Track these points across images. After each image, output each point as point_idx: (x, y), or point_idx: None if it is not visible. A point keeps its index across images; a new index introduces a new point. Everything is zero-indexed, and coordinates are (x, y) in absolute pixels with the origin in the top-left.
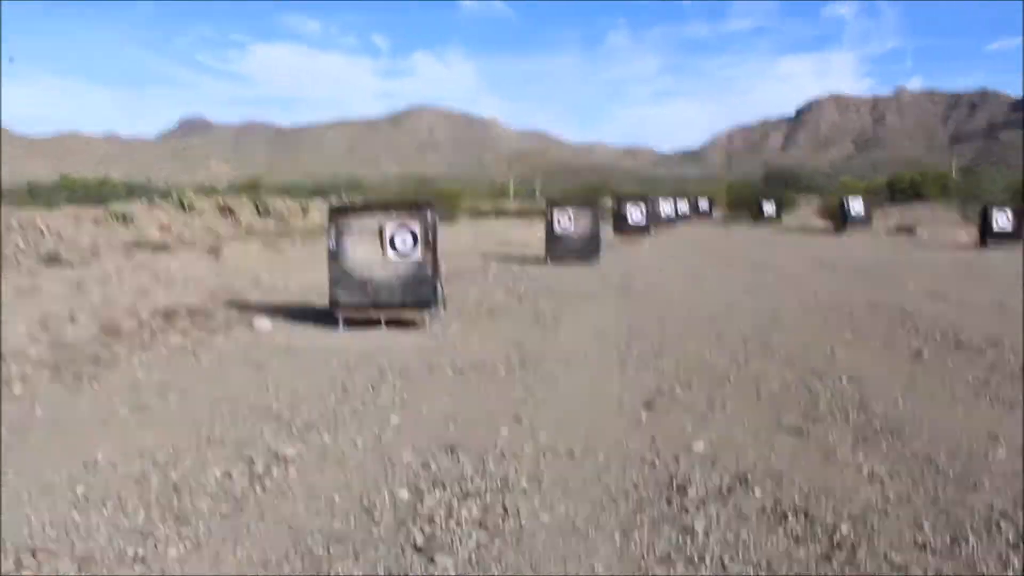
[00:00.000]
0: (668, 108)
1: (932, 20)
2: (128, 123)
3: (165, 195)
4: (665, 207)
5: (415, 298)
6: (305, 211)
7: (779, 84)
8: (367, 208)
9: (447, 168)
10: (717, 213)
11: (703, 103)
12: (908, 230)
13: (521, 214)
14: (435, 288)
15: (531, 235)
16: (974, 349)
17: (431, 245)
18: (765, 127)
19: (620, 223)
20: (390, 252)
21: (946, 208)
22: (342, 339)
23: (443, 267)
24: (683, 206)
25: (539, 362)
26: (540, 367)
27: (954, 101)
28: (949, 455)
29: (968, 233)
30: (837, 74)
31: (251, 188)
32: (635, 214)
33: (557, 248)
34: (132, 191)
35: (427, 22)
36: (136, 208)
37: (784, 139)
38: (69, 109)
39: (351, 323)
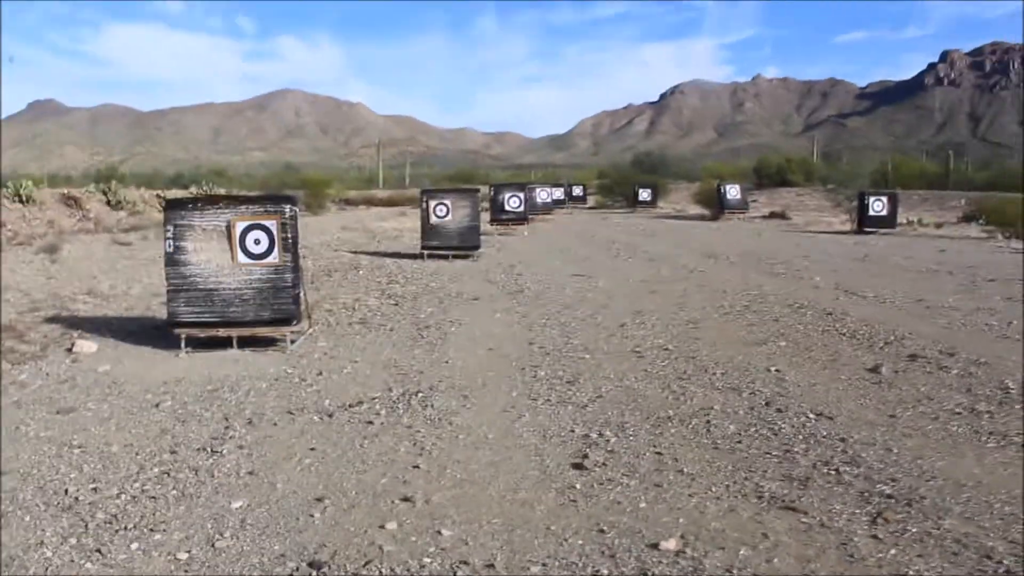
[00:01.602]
0: (536, 93)
1: (787, 11)
2: None
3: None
4: (541, 194)
5: (272, 312)
6: (162, 201)
7: (643, 70)
8: (212, 201)
9: (314, 154)
10: (591, 199)
11: (570, 89)
12: (781, 216)
13: (392, 202)
14: (296, 298)
15: (403, 224)
16: (933, 362)
17: (291, 246)
18: (630, 112)
19: (498, 212)
20: (241, 255)
21: (811, 193)
22: (181, 366)
23: (308, 267)
24: (558, 193)
25: (428, 396)
26: (429, 404)
27: (807, 89)
28: (1001, 538)
29: (839, 219)
30: (698, 61)
31: (107, 177)
32: (513, 202)
33: (434, 240)
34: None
35: (293, 4)
36: None
37: (649, 124)
38: None
39: (195, 344)
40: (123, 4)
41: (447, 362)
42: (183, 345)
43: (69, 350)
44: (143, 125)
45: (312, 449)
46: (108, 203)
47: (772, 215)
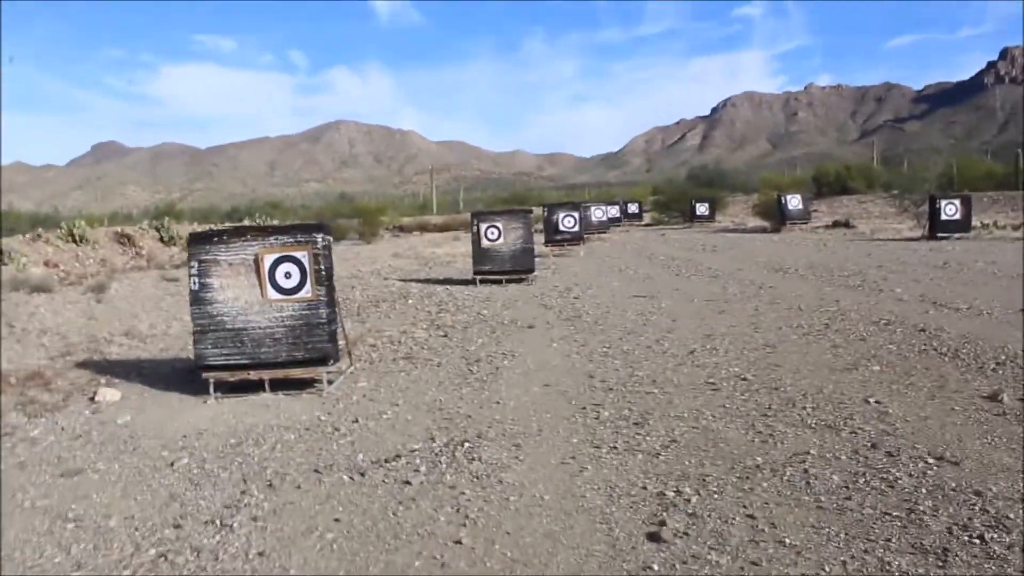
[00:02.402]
0: (585, 112)
1: (837, 18)
2: (36, 151)
3: (55, 225)
4: (596, 213)
5: (306, 351)
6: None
7: (693, 85)
8: (238, 234)
9: (368, 183)
10: (646, 216)
11: (620, 106)
12: (845, 224)
13: (445, 228)
14: (333, 335)
15: (456, 249)
16: None
17: (325, 278)
18: (682, 127)
19: (552, 232)
20: (271, 291)
21: (874, 200)
22: (207, 414)
23: (355, 298)
24: (613, 211)
25: (475, 447)
26: (477, 457)
27: (861, 95)
28: None
29: (907, 225)
30: (749, 73)
31: (164, 213)
32: (568, 222)
33: (487, 264)
34: (38, 222)
35: (343, 36)
36: (17, 242)
37: (701, 138)
38: None
39: (225, 388)
40: (177, 44)
41: (498, 403)
42: (212, 390)
43: (91, 399)
44: (201, 162)
45: (337, 520)
46: (161, 239)
47: (835, 224)
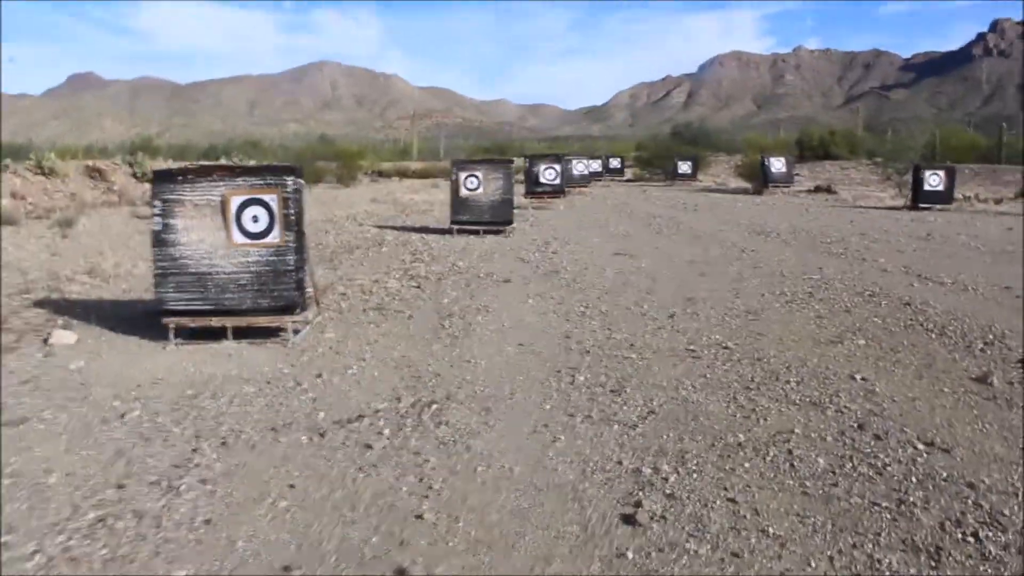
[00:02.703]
0: (573, 65)
1: None
2: (11, 80)
3: (24, 156)
4: (578, 166)
5: (272, 299)
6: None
7: (683, 41)
8: (205, 173)
9: (350, 126)
10: (628, 172)
11: (608, 60)
12: (827, 190)
13: (425, 174)
14: (300, 283)
15: (435, 197)
16: None
17: (294, 223)
18: (668, 84)
19: (533, 184)
20: (237, 234)
21: (857, 167)
22: (165, 362)
23: (329, 243)
24: (595, 165)
25: (444, 408)
26: (444, 421)
27: (849, 60)
28: None
29: (889, 193)
30: (738, 32)
31: (140, 148)
32: (548, 174)
33: (465, 214)
34: (11, 152)
35: None
36: None
37: (687, 96)
38: None
39: (187, 334)
40: None
41: (469, 361)
42: (172, 336)
43: (45, 341)
44: (181, 97)
45: (291, 487)
46: (134, 175)
47: (817, 189)
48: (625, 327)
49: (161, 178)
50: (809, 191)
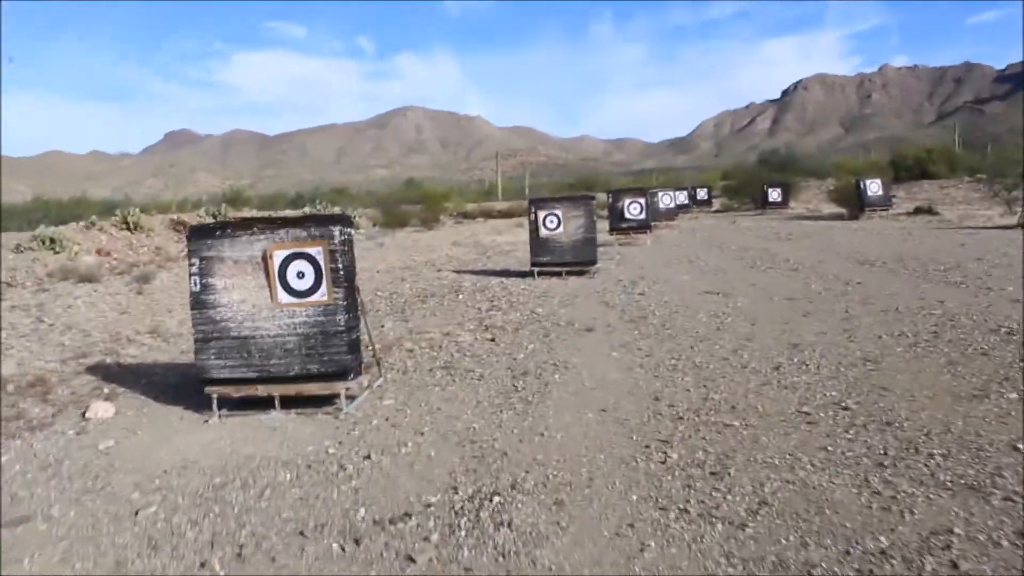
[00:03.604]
0: (654, 97)
1: None
2: (112, 140)
3: (110, 213)
4: (664, 199)
5: (322, 364)
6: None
7: (764, 67)
8: (245, 226)
9: (435, 169)
10: (716, 202)
11: (688, 91)
12: (928, 211)
13: (509, 214)
14: (353, 345)
15: (518, 237)
16: None
17: (344, 279)
18: (751, 111)
19: (617, 220)
20: (282, 293)
21: (957, 185)
22: (203, 440)
23: (404, 292)
24: (681, 197)
25: (507, 503)
26: (506, 521)
27: (939, 75)
28: None
29: (996, 211)
30: (822, 54)
31: (231, 200)
32: (634, 209)
33: (545, 256)
34: (111, 209)
35: (411, 22)
36: (71, 230)
37: (771, 122)
38: (51, 128)
39: (231, 404)
40: (249, 32)
41: (543, 434)
42: (215, 407)
43: (83, 414)
44: (270, 148)
45: None
46: None
47: (917, 211)
48: (723, 384)
49: (198, 234)
50: (908, 214)
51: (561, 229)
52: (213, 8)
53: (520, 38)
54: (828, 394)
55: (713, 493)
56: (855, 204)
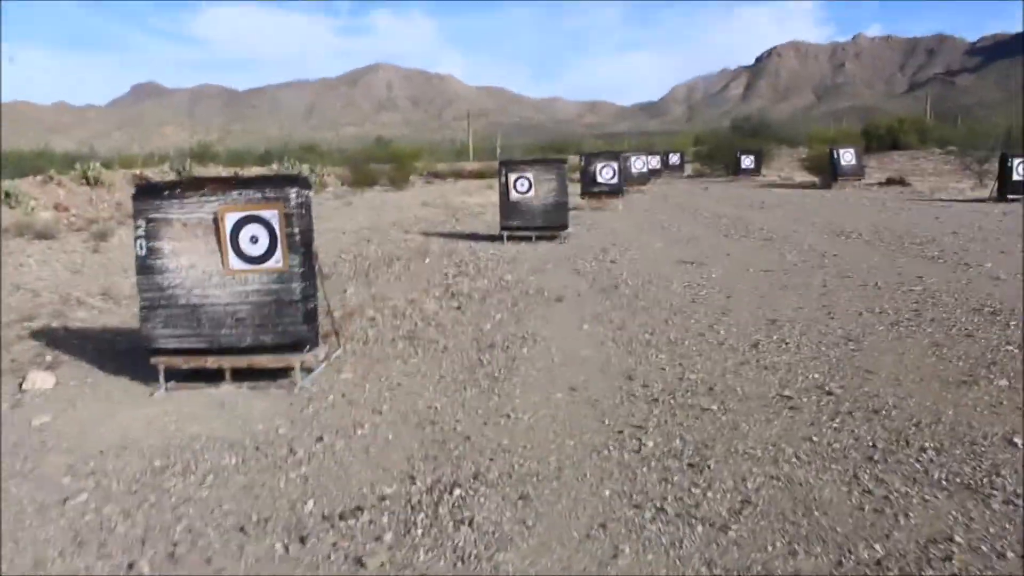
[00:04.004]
0: (628, 60)
1: None
2: (78, 91)
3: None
4: (636, 163)
5: (276, 335)
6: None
7: (738, 34)
8: (195, 187)
9: (406, 128)
10: (688, 167)
11: (662, 54)
12: (900, 182)
13: (480, 175)
14: (309, 315)
15: (489, 199)
16: None
17: (300, 244)
18: (725, 77)
19: (589, 184)
20: (234, 259)
21: (927, 157)
22: (146, 415)
23: (369, 254)
24: (654, 161)
25: (468, 497)
26: (466, 519)
27: (911, 46)
28: None
29: (967, 184)
30: (796, 22)
31: (199, 155)
32: (606, 173)
33: (515, 220)
34: (73, 162)
35: None
36: (28, 184)
37: (744, 89)
38: (15, 77)
39: (179, 375)
40: None
41: (508, 415)
42: (162, 379)
43: (21, 385)
44: (239, 103)
45: None
46: None
47: (889, 182)
48: (700, 361)
49: (144, 194)
50: (880, 184)
51: (532, 192)
52: None
53: None
54: (810, 376)
55: (692, 489)
56: (829, 173)
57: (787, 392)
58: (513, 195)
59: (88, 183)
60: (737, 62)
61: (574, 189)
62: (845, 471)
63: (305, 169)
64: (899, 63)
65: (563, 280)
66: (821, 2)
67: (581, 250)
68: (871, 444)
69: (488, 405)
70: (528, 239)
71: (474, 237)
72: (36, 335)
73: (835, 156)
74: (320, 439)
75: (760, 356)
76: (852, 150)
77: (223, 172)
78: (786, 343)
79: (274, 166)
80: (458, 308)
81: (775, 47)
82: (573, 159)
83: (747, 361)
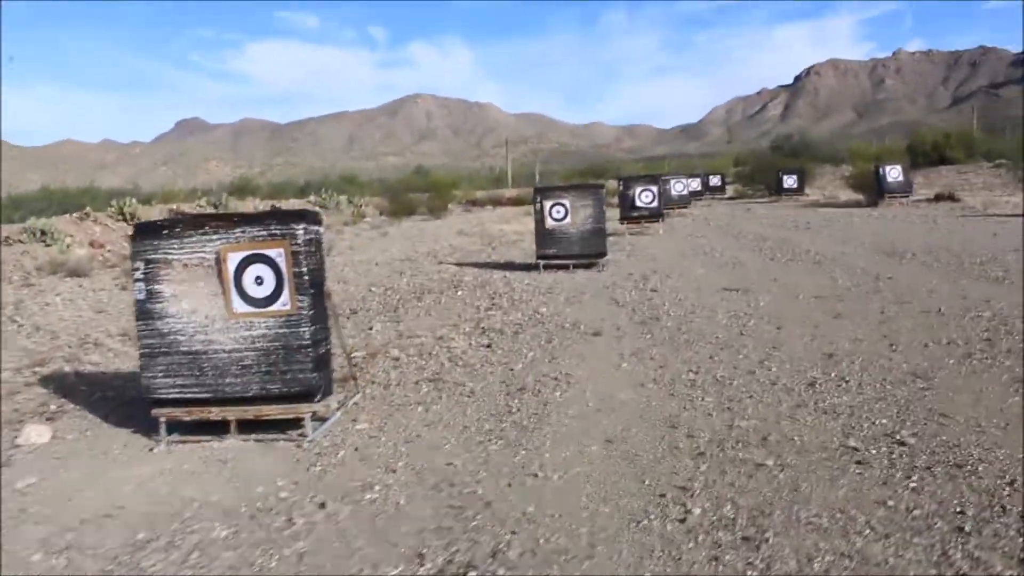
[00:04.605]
0: (666, 84)
1: None
2: (124, 129)
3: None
4: (676, 186)
5: (284, 383)
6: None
7: (776, 53)
8: (196, 225)
9: (446, 156)
10: (729, 189)
11: (700, 77)
12: (950, 198)
13: (519, 202)
14: (321, 361)
15: (526, 226)
16: None
17: (309, 284)
18: (763, 97)
19: (628, 209)
20: (238, 301)
21: (976, 171)
22: (140, 475)
23: (400, 287)
24: (694, 183)
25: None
26: None
27: (954, 60)
28: None
29: (1021, 197)
30: (834, 40)
31: (240, 189)
32: (645, 197)
33: (552, 248)
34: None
35: (423, 10)
36: (64, 222)
37: (783, 108)
38: (64, 117)
39: (182, 427)
40: (262, 21)
41: (536, 475)
42: (163, 432)
43: (16, 439)
44: (281, 137)
45: None
46: None
47: (938, 198)
48: (751, 405)
49: (142, 233)
50: (929, 200)
51: (568, 219)
52: None
53: (532, 25)
54: (877, 422)
55: (748, 572)
56: (874, 191)
57: (852, 442)
58: (549, 223)
59: (124, 219)
60: (775, 82)
61: (612, 214)
62: (931, 547)
63: (343, 200)
64: (941, 77)
65: (601, 311)
66: (860, 19)
67: (620, 278)
68: (959, 510)
69: (514, 461)
70: (565, 268)
71: (509, 266)
72: (45, 381)
73: (881, 173)
74: (323, 505)
75: (818, 397)
76: (898, 166)
77: (260, 205)
78: (846, 381)
79: (311, 198)
80: (488, 346)
81: (813, 65)
82: (612, 184)
83: (804, 404)
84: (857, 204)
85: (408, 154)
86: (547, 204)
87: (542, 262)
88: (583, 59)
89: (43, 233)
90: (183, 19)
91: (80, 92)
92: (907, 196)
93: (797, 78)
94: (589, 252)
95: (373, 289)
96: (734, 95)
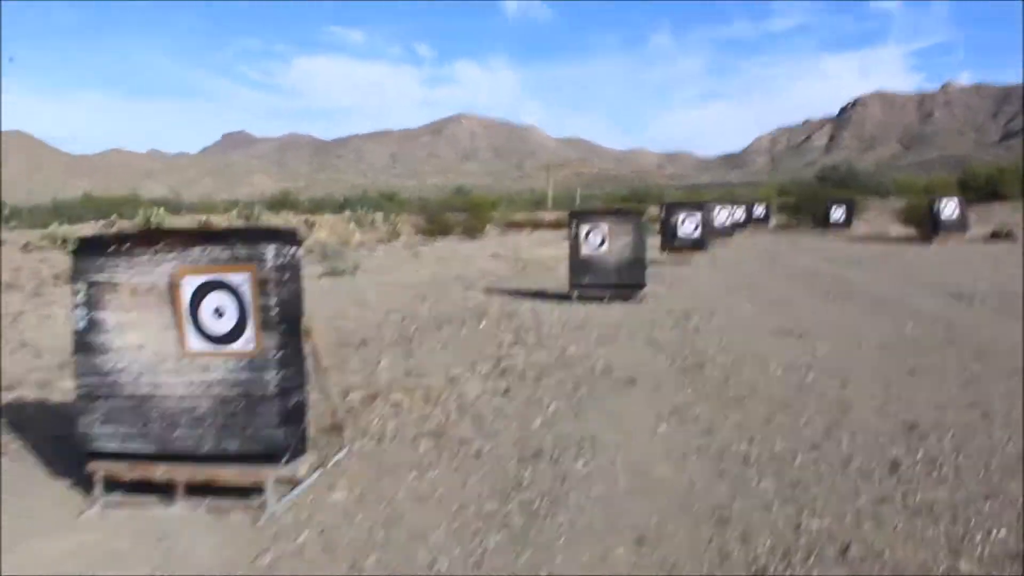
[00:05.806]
0: (710, 111)
1: (982, 12)
2: (171, 139)
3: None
4: (720, 215)
5: (243, 440)
6: (311, 227)
7: (822, 83)
8: (148, 241)
9: (488, 177)
10: (773, 219)
11: (744, 105)
12: (1007, 236)
13: (558, 225)
14: (292, 414)
15: (563, 251)
16: None
17: (277, 320)
18: (808, 128)
19: (670, 237)
20: (193, 337)
21: None
22: (64, 548)
23: (421, 315)
24: (738, 213)
25: None
26: None
27: (1004, 94)
28: None
29: None
30: (882, 70)
31: (280, 203)
32: (688, 225)
33: (586, 277)
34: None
35: (470, 29)
36: (90, 229)
37: (828, 139)
38: (113, 126)
39: (121, 487)
40: (310, 35)
41: None
42: (99, 490)
43: None
44: (326, 153)
45: None
46: None
47: (994, 235)
48: (821, 496)
49: (86, 250)
50: (986, 238)
51: (606, 247)
52: (276, 8)
53: (578, 48)
54: (992, 532)
55: None
56: (928, 226)
57: (965, 566)
58: (584, 250)
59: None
60: (820, 112)
61: (652, 241)
62: None
63: (379, 217)
64: (991, 112)
65: (637, 354)
66: (909, 50)
67: (659, 314)
68: None
69: (516, 565)
70: (600, 299)
71: (541, 295)
72: (9, 408)
73: (935, 207)
74: None
75: (906, 489)
76: (955, 200)
77: (293, 220)
78: (939, 465)
79: (347, 213)
80: (505, 392)
81: (859, 97)
82: (652, 210)
83: (889, 498)
84: (908, 239)
85: (451, 174)
86: (583, 229)
87: (575, 292)
88: (628, 82)
89: (64, 241)
90: (231, 28)
91: (128, 101)
92: (963, 232)
93: (843, 109)
94: (627, 282)
95: (390, 315)
96: (777, 125)
